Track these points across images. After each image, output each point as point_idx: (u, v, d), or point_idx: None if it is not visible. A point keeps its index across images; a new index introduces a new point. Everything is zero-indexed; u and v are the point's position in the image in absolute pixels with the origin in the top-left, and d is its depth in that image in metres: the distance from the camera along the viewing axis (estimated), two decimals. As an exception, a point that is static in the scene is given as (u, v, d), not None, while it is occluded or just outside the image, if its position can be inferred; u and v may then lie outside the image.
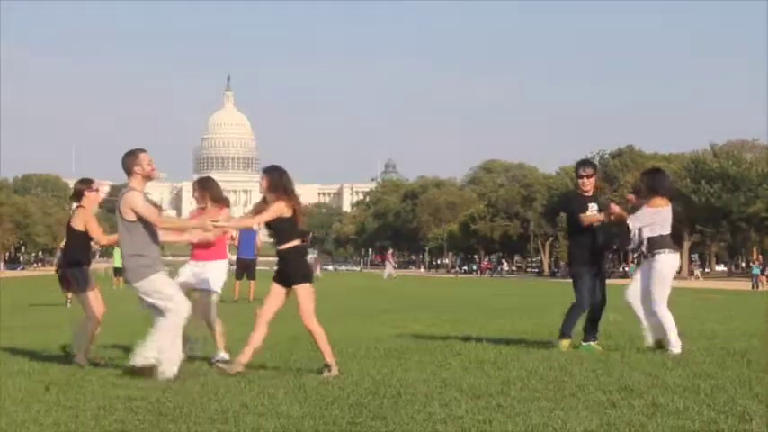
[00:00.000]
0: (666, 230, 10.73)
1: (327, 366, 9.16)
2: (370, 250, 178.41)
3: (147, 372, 8.91)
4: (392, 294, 34.16)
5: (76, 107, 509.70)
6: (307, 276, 9.61)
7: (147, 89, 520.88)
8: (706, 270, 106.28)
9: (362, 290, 39.91)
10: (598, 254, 11.29)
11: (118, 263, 45.39)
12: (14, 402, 7.63)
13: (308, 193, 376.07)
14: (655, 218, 10.71)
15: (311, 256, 45.83)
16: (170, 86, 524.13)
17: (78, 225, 10.69)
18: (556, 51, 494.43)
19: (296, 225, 9.50)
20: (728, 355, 10.37)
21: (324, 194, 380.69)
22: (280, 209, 9.30)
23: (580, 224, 11.13)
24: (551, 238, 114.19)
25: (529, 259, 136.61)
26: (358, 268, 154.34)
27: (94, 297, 10.63)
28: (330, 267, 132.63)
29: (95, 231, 10.75)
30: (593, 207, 11.14)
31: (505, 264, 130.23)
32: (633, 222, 10.79)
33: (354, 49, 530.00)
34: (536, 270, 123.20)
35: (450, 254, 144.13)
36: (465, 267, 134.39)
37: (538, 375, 8.77)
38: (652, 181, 11.02)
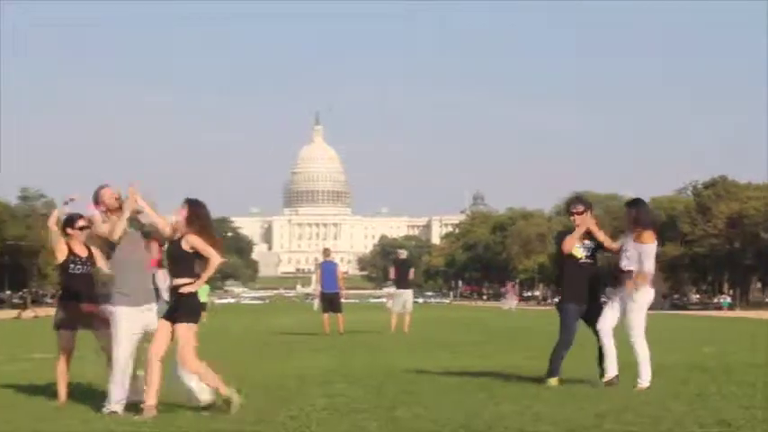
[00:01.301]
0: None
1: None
2: (459, 282, 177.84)
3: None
4: (483, 326, 33.95)
5: (165, 142, 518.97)
6: (191, 316, 9.12)
7: (237, 124, 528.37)
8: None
9: (452, 322, 39.76)
10: (587, 291, 11.14)
11: (202, 297, 46.08)
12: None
13: (396, 226, 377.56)
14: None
15: (387, 290, 45.29)
16: (259, 121, 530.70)
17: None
18: (645, 82, 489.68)
19: (194, 262, 9.05)
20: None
21: (413, 227, 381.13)
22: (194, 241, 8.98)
23: (570, 261, 11.06)
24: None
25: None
26: (447, 300, 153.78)
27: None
28: (420, 300, 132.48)
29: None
30: (582, 244, 11.01)
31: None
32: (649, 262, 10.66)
33: (442, 81, 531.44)
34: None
35: (542, 285, 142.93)
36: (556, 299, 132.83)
37: (632, 409, 8.63)
38: (637, 213, 10.87)
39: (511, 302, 69.90)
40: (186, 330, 8.94)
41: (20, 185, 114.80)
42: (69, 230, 10.50)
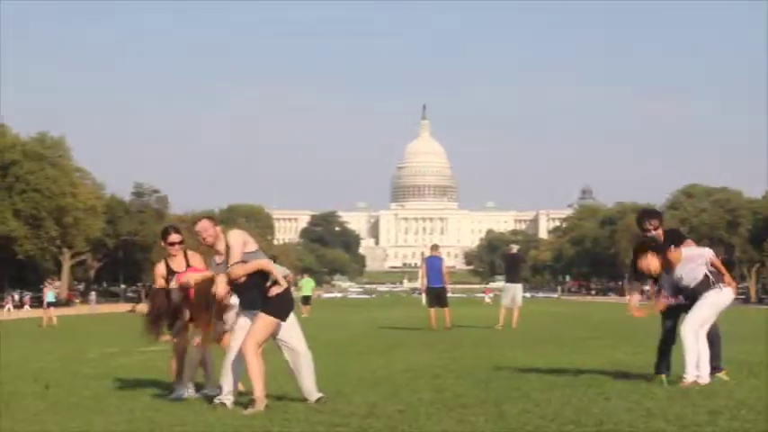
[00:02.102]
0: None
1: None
2: (567, 277, 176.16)
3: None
4: (590, 321, 33.57)
5: (276, 139, 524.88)
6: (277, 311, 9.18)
7: (346, 120, 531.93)
8: None
9: (561, 317, 39.41)
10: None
11: (306, 291, 46.67)
12: (230, 427, 7.89)
13: (503, 221, 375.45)
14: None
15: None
16: (367, 117, 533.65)
17: None
18: (757, 72, 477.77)
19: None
20: None
21: (519, 221, 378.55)
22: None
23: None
24: (758, 264, 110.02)
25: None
26: (555, 295, 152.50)
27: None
28: (528, 294, 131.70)
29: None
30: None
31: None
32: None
33: (549, 75, 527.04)
34: (742, 297, 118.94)
35: (651, 281, 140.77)
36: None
37: (747, 406, 8.44)
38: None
39: (487, 300, 75.17)
40: (264, 320, 9.01)
41: (134, 181, 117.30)
42: (163, 244, 10.65)
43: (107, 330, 30.97)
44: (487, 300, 78.43)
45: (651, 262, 10.44)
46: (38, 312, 49.04)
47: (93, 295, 78.45)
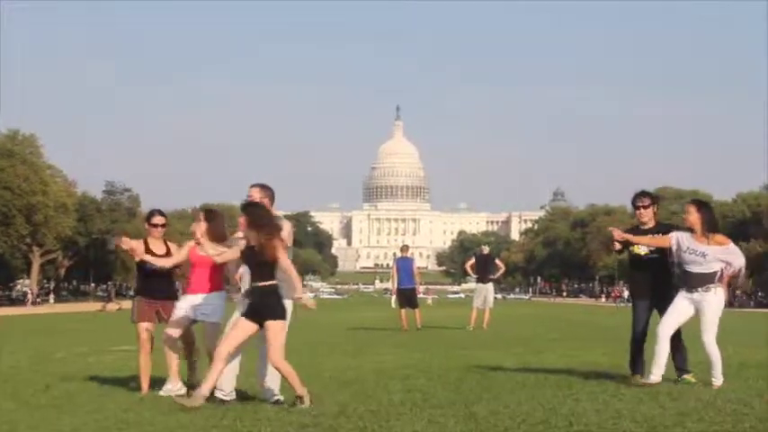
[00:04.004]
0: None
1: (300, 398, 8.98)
2: (539, 278, 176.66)
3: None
4: (562, 323, 33.73)
5: (248, 139, 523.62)
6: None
7: (318, 120, 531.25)
8: None
9: (532, 318, 39.57)
10: (655, 288, 10.94)
11: None
12: (201, 429, 7.88)
13: (475, 222, 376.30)
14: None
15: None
16: (341, 117, 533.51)
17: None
18: (731, 75, 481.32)
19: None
20: None
21: (492, 223, 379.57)
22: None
23: (634, 257, 11.02)
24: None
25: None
26: (527, 296, 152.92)
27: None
28: (499, 296, 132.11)
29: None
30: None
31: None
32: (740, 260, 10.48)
33: (521, 77, 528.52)
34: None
35: (622, 282, 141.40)
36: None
37: (715, 408, 8.51)
38: (711, 216, 10.67)
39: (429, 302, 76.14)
40: (280, 325, 9.06)
41: (105, 180, 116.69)
42: (147, 226, 10.75)
43: (74, 329, 30.81)
44: (429, 302, 77.58)
45: (694, 216, 10.52)
46: None
47: (51, 297, 78.11)
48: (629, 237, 11.00)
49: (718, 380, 10.33)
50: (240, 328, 9.06)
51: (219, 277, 10.17)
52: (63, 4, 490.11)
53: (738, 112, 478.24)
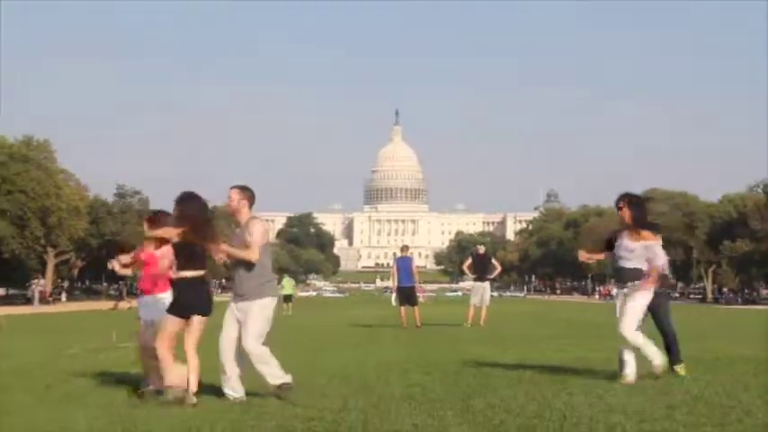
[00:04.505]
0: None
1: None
2: (533, 277, 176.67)
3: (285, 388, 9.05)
4: (554, 320, 33.72)
5: (254, 143, 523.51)
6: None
7: (320, 125, 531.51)
8: None
9: (527, 316, 39.55)
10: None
11: (287, 290, 46.31)
12: (207, 423, 7.87)
13: (472, 222, 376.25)
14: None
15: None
16: (342, 122, 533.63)
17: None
18: (716, 80, 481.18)
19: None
20: None
21: (488, 223, 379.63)
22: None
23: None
24: (714, 265, 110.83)
25: (692, 286, 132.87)
26: (522, 294, 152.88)
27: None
28: (495, 294, 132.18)
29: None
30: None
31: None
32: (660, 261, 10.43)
33: (517, 80, 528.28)
34: (699, 296, 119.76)
35: (613, 281, 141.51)
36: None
37: (703, 400, 8.51)
38: (640, 212, 10.61)
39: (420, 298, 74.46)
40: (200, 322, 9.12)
41: (116, 183, 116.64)
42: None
43: (86, 327, 30.79)
44: (421, 299, 77.81)
45: (625, 212, 10.53)
46: None
47: (63, 296, 77.92)
48: (589, 256, 11.21)
49: (656, 359, 10.23)
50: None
51: (166, 277, 10.14)
52: (74, 5, 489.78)
53: (726, 117, 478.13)
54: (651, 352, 10.24)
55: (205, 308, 9.10)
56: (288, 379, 9.13)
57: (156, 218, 10.02)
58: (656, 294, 10.69)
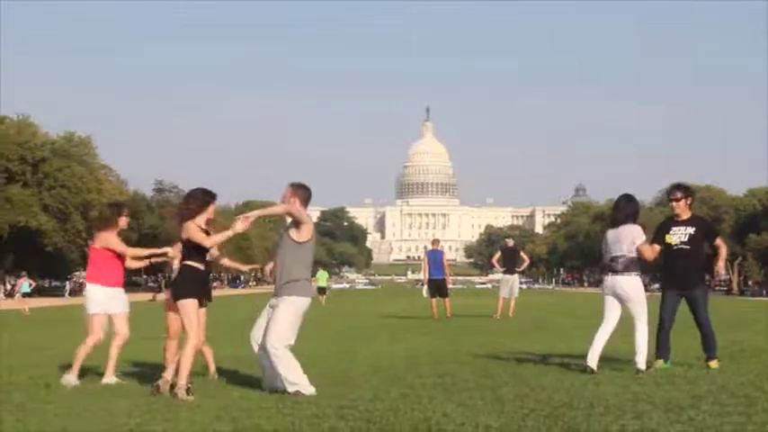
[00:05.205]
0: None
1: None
2: (561, 269, 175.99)
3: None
4: (582, 311, 33.57)
5: (290, 139, 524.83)
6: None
7: (354, 121, 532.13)
8: None
9: (555, 307, 39.41)
10: (684, 278, 10.79)
11: (321, 282, 46.71)
12: (244, 411, 7.91)
13: (501, 216, 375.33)
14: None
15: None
16: (375, 119, 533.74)
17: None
18: (743, 76, 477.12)
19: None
20: None
21: (517, 217, 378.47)
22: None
23: (665, 248, 10.83)
24: (740, 258, 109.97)
25: (717, 278, 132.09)
26: (550, 287, 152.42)
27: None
28: (524, 286, 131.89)
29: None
30: (677, 230, 10.66)
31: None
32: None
33: (548, 77, 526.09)
34: (725, 289, 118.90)
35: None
36: (656, 286, 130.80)
37: (729, 391, 8.46)
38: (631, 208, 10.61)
39: None
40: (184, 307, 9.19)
41: (155, 178, 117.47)
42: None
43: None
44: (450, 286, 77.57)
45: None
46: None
47: (67, 285, 78.66)
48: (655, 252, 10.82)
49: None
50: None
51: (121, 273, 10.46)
52: (112, 5, 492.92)
53: (748, 112, 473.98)
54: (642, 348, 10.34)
55: (200, 295, 9.17)
56: (305, 390, 8.70)
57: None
58: (696, 287, 10.67)
